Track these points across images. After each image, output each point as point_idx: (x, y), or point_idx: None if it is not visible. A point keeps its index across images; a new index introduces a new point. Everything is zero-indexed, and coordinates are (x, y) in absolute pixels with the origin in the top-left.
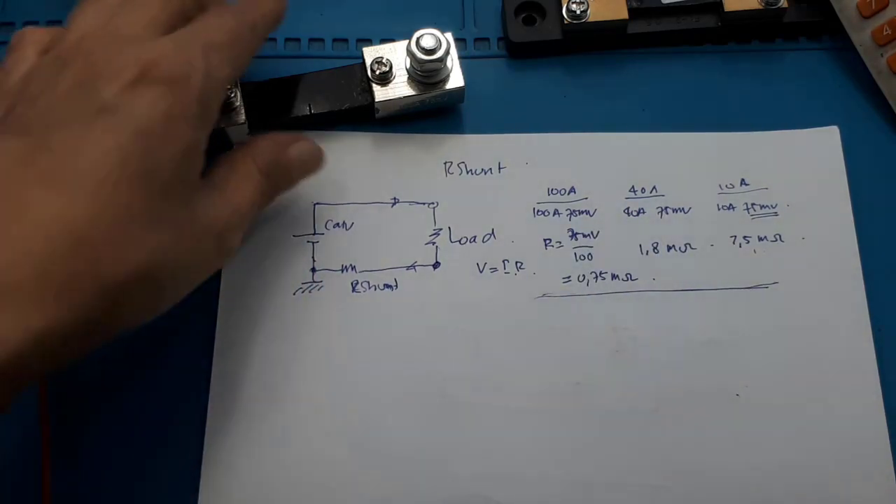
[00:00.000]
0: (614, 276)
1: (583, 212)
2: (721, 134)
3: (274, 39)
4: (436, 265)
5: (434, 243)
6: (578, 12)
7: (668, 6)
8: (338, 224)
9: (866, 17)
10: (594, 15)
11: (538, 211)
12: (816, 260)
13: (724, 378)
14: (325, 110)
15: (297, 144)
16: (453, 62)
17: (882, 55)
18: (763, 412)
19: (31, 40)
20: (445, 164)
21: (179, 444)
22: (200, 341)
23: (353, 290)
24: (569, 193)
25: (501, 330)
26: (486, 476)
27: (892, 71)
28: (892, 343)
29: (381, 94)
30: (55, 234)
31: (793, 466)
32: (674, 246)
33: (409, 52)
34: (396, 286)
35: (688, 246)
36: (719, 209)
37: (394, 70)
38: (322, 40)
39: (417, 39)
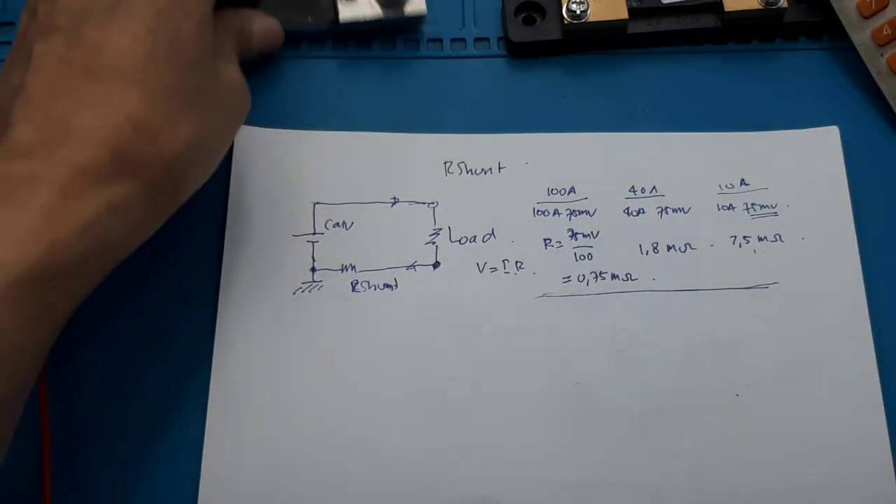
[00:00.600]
0: (614, 276)
1: (583, 212)
2: (721, 134)
3: None
4: (436, 265)
5: (434, 243)
6: (578, 12)
7: (668, 6)
8: (338, 224)
9: (866, 17)
10: (594, 15)
11: (538, 211)
12: (816, 260)
13: (724, 378)
14: (291, 30)
15: (261, 20)
16: None
17: (882, 55)
18: (763, 412)
19: None
20: (445, 163)
21: (179, 444)
22: (200, 341)
23: (353, 289)
24: (569, 193)
25: (501, 330)
26: (487, 476)
27: (892, 71)
28: (892, 343)
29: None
30: (119, 122)
31: (793, 466)
32: (674, 246)
33: None
34: (396, 286)
35: (688, 246)
36: (719, 209)
37: None
38: None
39: None
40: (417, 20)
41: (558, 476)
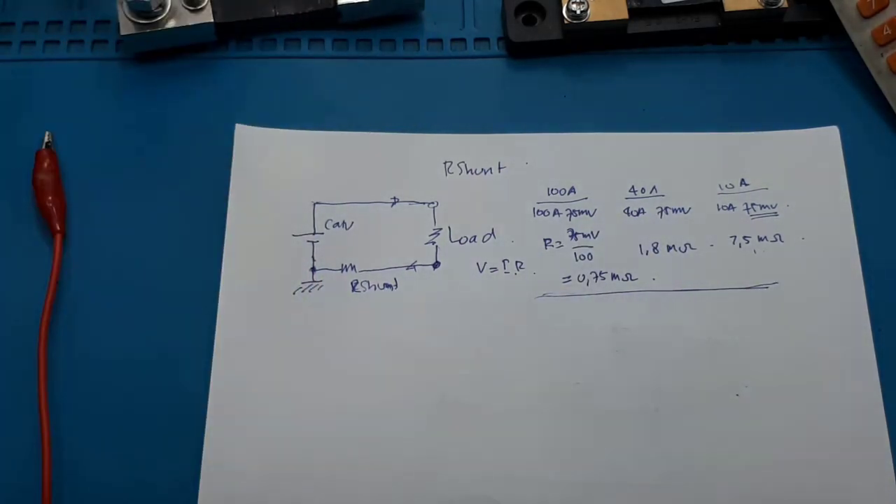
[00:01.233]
0: (614, 276)
1: (583, 212)
2: (721, 134)
3: None
4: (436, 265)
5: (434, 243)
6: (578, 12)
7: (668, 6)
8: (338, 223)
9: (866, 17)
10: (594, 15)
11: (538, 211)
12: (816, 260)
13: (724, 378)
14: (289, 13)
15: None
16: None
17: (882, 55)
18: (763, 412)
19: None
20: (445, 163)
21: (179, 444)
22: (200, 340)
23: (353, 289)
24: (569, 193)
25: (501, 330)
26: (487, 476)
27: (892, 71)
28: (892, 343)
29: None
30: None
31: (792, 466)
32: (674, 246)
33: None
34: (396, 286)
35: (688, 246)
36: (719, 209)
37: None
38: None
39: None
40: (417, 5)
41: (558, 476)
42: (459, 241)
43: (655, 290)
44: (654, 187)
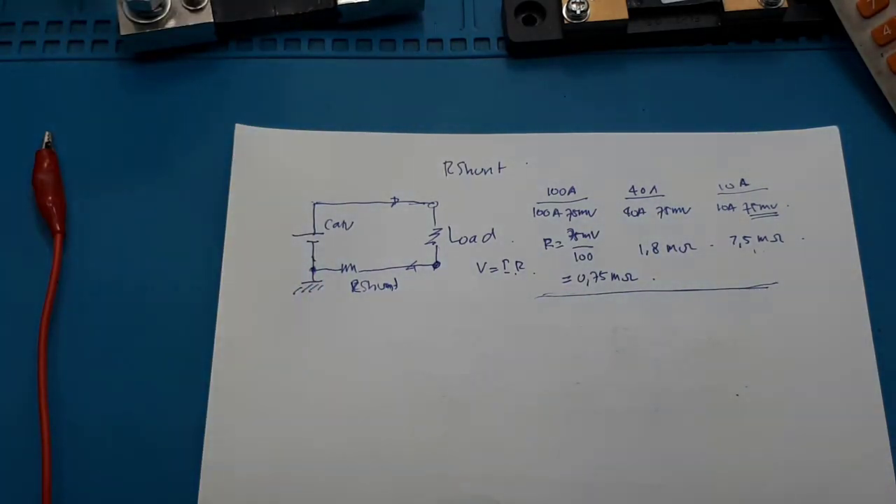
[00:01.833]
0: (614, 276)
1: (583, 212)
2: (721, 134)
3: None
4: (436, 265)
5: (434, 243)
6: (578, 12)
7: (668, 6)
8: (338, 223)
9: (866, 17)
10: (594, 15)
11: (538, 211)
12: (816, 260)
13: (724, 378)
14: (289, 13)
15: None
16: None
17: (882, 55)
18: (763, 412)
19: None
20: (445, 163)
21: (179, 444)
22: (201, 340)
23: (353, 289)
24: (569, 193)
25: (501, 330)
26: (487, 476)
27: (892, 71)
28: (892, 343)
29: None
30: None
31: (792, 466)
32: (674, 246)
33: None
34: (396, 286)
35: (688, 246)
36: (719, 209)
37: None
38: None
39: None
40: (417, 5)
41: (558, 475)
42: (459, 241)
43: (655, 290)
44: (654, 187)
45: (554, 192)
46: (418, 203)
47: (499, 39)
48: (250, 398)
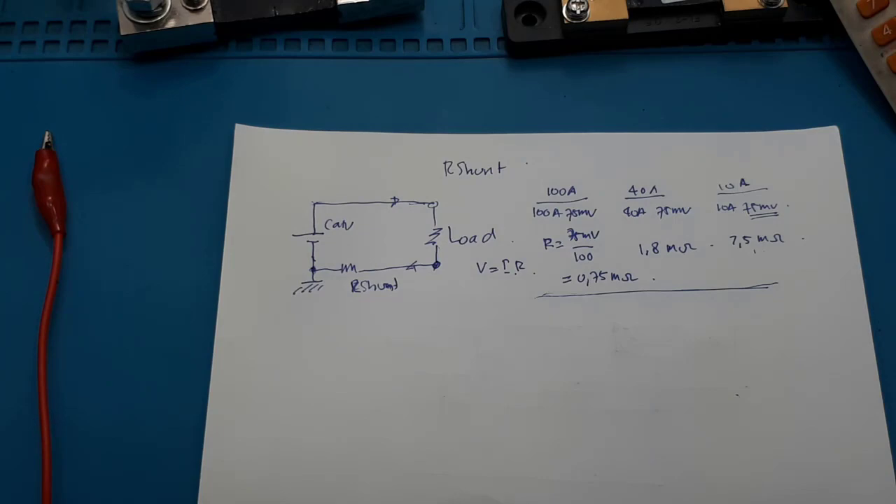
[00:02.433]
0: (614, 276)
1: (583, 212)
2: (721, 134)
3: None
4: (436, 265)
5: (434, 243)
6: (578, 12)
7: (668, 6)
8: (337, 223)
9: (866, 17)
10: (594, 15)
11: (538, 211)
12: (816, 260)
13: (724, 378)
14: (289, 13)
15: None
16: None
17: (882, 55)
18: (763, 412)
19: None
20: (445, 163)
21: (179, 444)
22: (200, 340)
23: (353, 289)
24: (569, 193)
25: (501, 329)
26: (486, 476)
27: (892, 71)
28: (892, 343)
29: None
30: None
31: (792, 466)
32: (674, 246)
33: None
34: (396, 286)
35: (687, 246)
36: (719, 209)
37: None
38: None
39: None
40: (416, 5)
41: (558, 476)
42: (459, 240)
43: (655, 290)
44: (654, 187)
45: (554, 192)
46: (418, 203)
47: (499, 39)
48: (250, 398)
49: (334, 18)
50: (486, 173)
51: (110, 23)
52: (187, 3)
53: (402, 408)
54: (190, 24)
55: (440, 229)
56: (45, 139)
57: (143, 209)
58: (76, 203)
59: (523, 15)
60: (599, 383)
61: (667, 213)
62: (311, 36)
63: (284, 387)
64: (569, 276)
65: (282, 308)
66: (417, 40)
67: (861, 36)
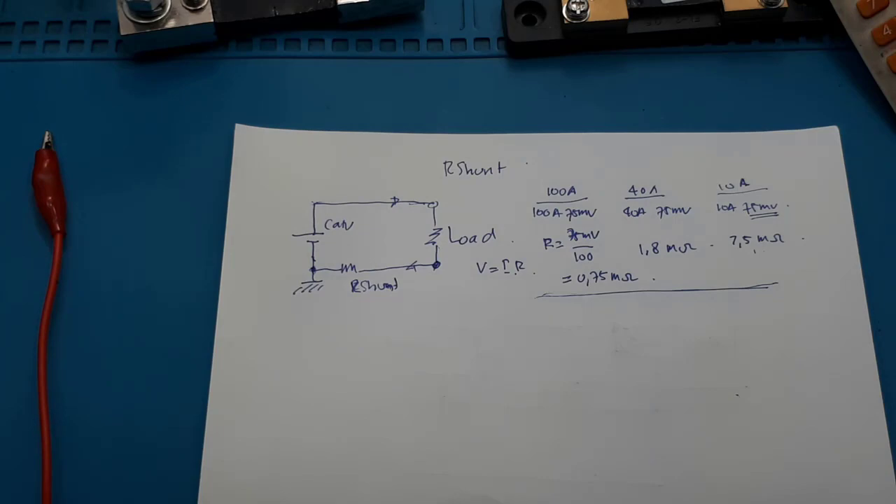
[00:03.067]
0: (614, 276)
1: (583, 212)
2: (721, 134)
3: None
4: (436, 265)
5: (434, 243)
6: (578, 12)
7: (668, 6)
8: (337, 223)
9: (866, 17)
10: (594, 15)
11: (538, 211)
12: (816, 260)
13: (724, 378)
14: (289, 13)
15: None
16: None
17: (882, 55)
18: (763, 412)
19: None
20: (445, 163)
21: (179, 444)
22: (200, 340)
23: (353, 289)
24: (569, 193)
25: (501, 329)
26: (486, 476)
27: (892, 71)
28: (892, 343)
29: None
30: None
31: (792, 466)
32: (674, 246)
33: None
34: (396, 286)
35: (687, 246)
36: (719, 209)
37: None
38: None
39: None
40: (416, 5)
41: (558, 475)
42: (459, 240)
43: (655, 290)
44: (654, 187)
45: (554, 192)
46: (418, 203)
47: (499, 39)
48: (250, 398)
49: (334, 18)
50: (486, 173)
51: (110, 23)
52: (187, 3)
53: (402, 408)
54: (190, 24)
55: (440, 229)
56: (45, 139)
57: (143, 209)
58: (76, 203)
59: (523, 15)
60: (599, 383)
61: (667, 213)
62: (311, 36)
63: (284, 387)
64: (569, 276)
65: (282, 308)
66: (417, 40)
67: (861, 36)
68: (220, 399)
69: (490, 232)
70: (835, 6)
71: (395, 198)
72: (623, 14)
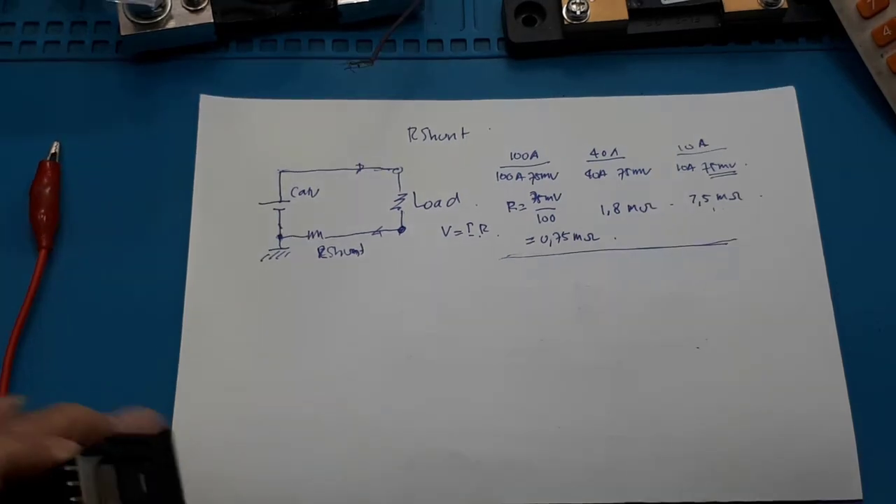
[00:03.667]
0: (576, 237)
1: (545, 175)
2: (680, 96)
3: None
4: (401, 230)
5: (399, 208)
6: (578, 13)
7: (668, 7)
8: (303, 191)
9: (866, 18)
10: (594, 15)
11: (501, 175)
12: (774, 216)
13: (685, 332)
14: (289, 13)
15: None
16: None
17: (882, 55)
18: (723, 364)
19: None
20: (409, 129)
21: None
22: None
23: (320, 255)
24: (531, 157)
25: (467, 291)
26: (454, 431)
27: (892, 71)
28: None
29: None
30: None
31: (753, 416)
32: (634, 206)
33: None
34: (362, 251)
35: (648, 206)
36: (678, 169)
37: None
38: None
39: None
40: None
41: (524, 429)
42: (424, 205)
43: (616, 248)
44: (614, 150)
45: (517, 156)
46: (383, 169)
47: (499, 40)
48: (219, 363)
49: (334, 18)
50: (449, 139)
51: (111, 23)
52: (187, 4)
53: (370, 369)
54: (190, 24)
55: (405, 194)
56: (52, 150)
57: (143, 209)
58: (75, 203)
59: (523, 15)
60: (564, 340)
61: (627, 175)
62: (311, 36)
63: (253, 352)
64: (532, 238)
65: (250, 275)
66: (417, 40)
67: (861, 36)
68: (189, 365)
69: (454, 196)
70: (835, 7)
71: (360, 164)
72: (623, 15)
